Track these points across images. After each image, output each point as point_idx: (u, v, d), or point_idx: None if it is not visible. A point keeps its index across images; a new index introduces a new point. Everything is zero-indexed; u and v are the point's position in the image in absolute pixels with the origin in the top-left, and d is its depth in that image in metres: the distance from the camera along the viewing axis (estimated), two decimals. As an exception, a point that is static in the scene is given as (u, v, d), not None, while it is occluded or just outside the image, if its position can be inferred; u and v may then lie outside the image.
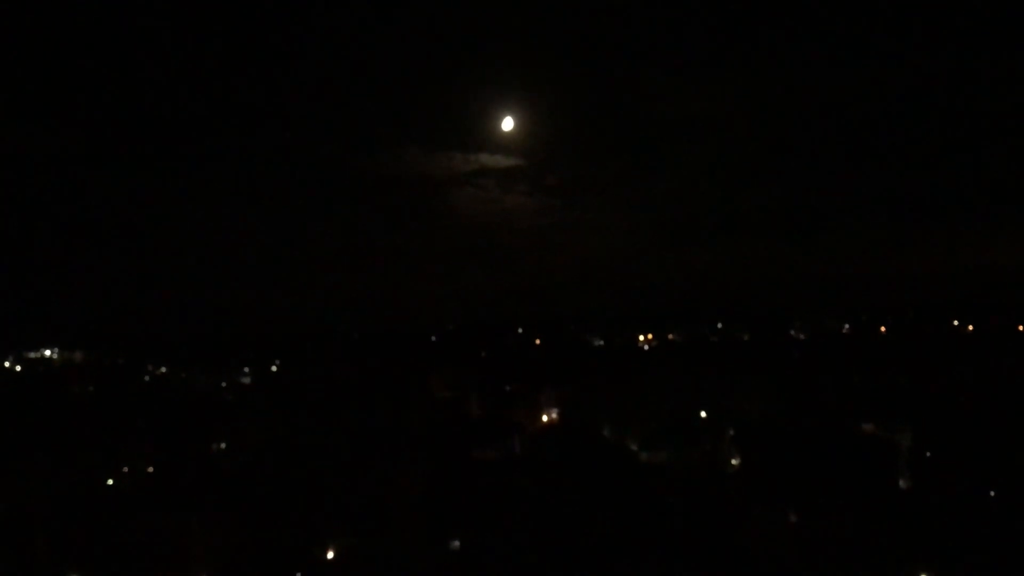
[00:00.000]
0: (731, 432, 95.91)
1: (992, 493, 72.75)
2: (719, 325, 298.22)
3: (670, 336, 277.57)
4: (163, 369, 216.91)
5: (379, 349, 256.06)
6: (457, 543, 65.68)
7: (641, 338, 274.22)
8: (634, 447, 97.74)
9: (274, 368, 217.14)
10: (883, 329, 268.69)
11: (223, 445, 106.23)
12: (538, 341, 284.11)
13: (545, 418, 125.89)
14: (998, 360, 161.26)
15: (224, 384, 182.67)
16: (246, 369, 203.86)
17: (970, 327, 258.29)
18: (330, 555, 66.22)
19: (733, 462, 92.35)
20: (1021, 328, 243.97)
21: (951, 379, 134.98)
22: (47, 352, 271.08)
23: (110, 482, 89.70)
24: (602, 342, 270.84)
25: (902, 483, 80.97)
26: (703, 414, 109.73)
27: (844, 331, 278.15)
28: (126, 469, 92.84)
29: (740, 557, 59.22)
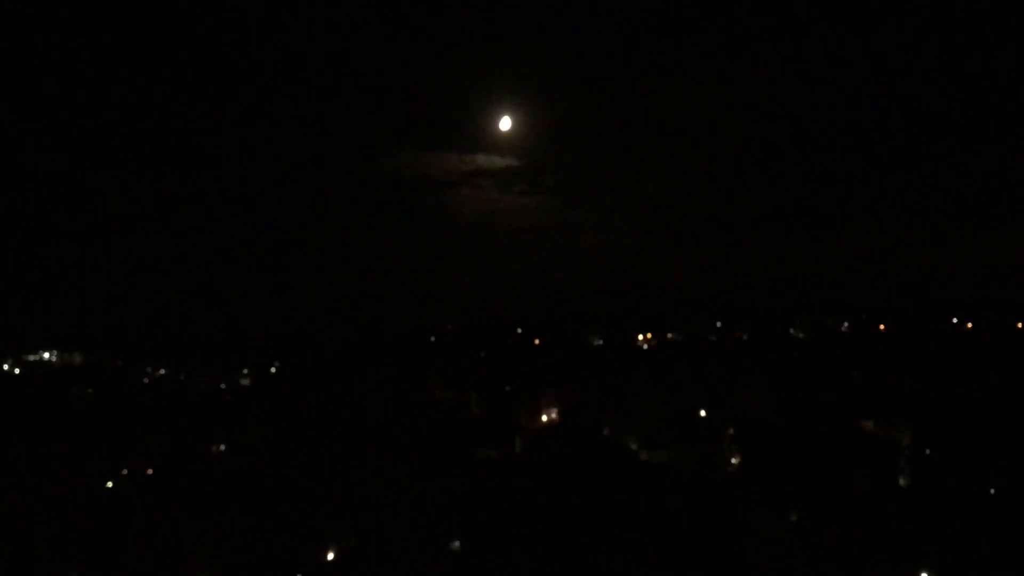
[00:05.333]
0: (731, 431, 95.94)
1: (992, 491, 72.80)
2: (718, 324, 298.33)
3: (669, 335, 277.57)
4: (162, 371, 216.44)
5: (378, 350, 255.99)
6: (457, 543, 65.62)
7: (640, 337, 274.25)
8: (634, 446, 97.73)
9: (273, 369, 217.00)
10: (882, 327, 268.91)
11: (223, 447, 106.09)
12: (537, 341, 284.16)
13: (545, 418, 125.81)
14: (997, 358, 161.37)
15: (223, 385, 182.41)
16: (245, 370, 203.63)
17: (969, 325, 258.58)
18: (330, 556, 66.17)
19: (733, 461, 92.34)
20: (1020, 326, 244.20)
21: (950, 377, 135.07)
22: (46, 355, 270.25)
23: (110, 484, 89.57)
24: (601, 342, 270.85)
25: (902, 481, 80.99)
26: (703, 413, 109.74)
27: (843, 330, 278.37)
28: (126, 471, 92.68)
29: (740, 556, 59.19)
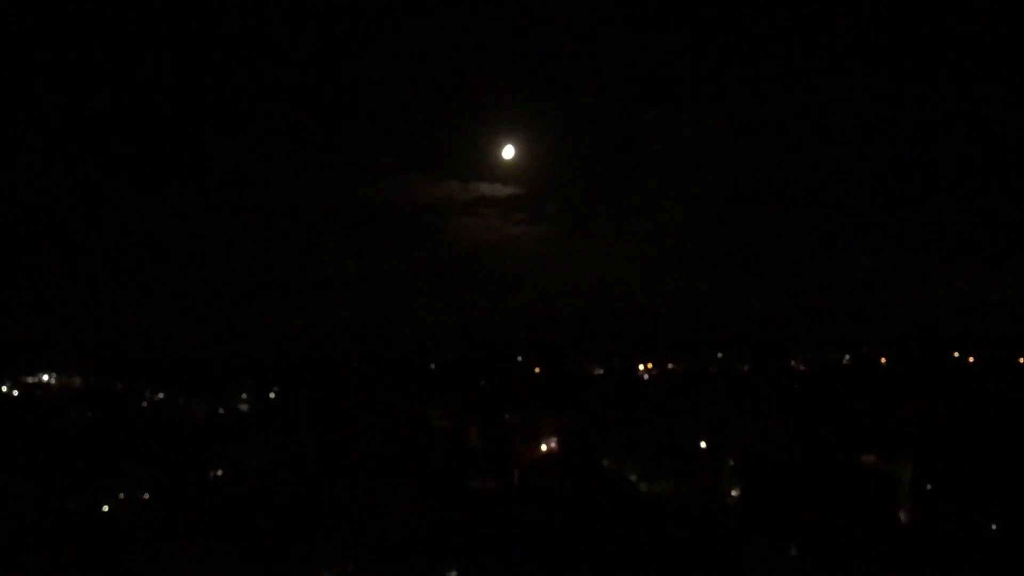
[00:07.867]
0: (731, 463, 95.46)
1: (993, 526, 72.34)
2: (719, 355, 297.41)
3: (670, 366, 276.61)
4: (161, 395, 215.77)
5: (377, 377, 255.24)
6: (454, 573, 65.12)
7: (641, 367, 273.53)
8: (634, 477, 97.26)
9: (272, 394, 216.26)
10: (884, 361, 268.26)
11: (220, 472, 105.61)
12: (538, 370, 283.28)
13: (544, 447, 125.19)
14: (999, 393, 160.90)
15: (222, 410, 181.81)
16: (244, 395, 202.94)
17: (971, 359, 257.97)
18: (326, 584, 65.63)
19: (733, 493, 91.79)
20: (1022, 360, 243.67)
21: (952, 411, 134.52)
22: (45, 377, 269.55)
23: (106, 508, 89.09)
24: (602, 371, 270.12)
25: (903, 516, 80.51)
26: (703, 444, 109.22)
27: (845, 362, 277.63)
28: (122, 495, 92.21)
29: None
